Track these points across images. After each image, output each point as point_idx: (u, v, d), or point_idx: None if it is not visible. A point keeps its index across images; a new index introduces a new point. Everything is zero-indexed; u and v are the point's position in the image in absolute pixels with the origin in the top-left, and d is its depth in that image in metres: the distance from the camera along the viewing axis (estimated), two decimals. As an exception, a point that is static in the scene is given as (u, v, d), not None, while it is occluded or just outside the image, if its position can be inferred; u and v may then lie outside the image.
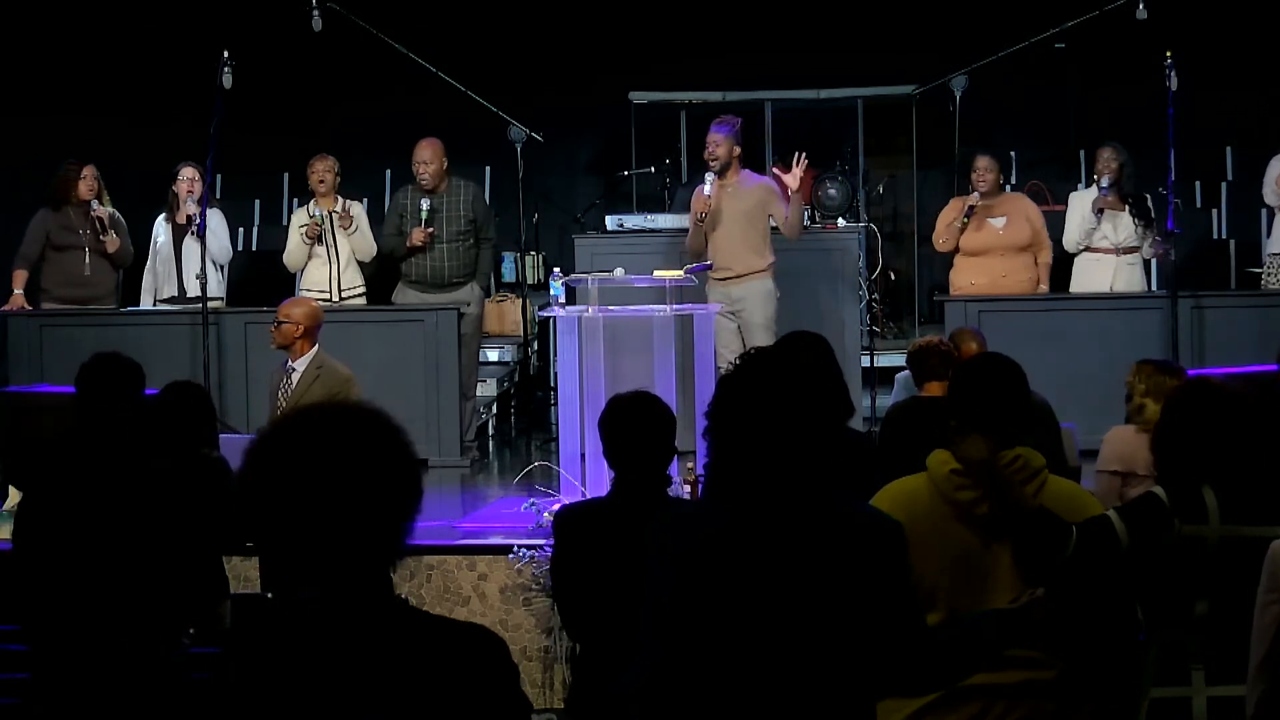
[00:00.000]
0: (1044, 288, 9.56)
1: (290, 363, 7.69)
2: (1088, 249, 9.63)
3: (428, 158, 9.72)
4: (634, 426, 4.52)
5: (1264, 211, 10.11)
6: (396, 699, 2.21)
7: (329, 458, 2.26)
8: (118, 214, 10.00)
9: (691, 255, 9.15)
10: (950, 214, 9.64)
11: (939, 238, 9.70)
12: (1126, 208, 9.52)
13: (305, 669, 2.21)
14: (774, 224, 9.15)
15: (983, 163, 9.55)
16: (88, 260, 9.82)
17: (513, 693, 2.30)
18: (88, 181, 9.80)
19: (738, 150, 9.11)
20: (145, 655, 2.26)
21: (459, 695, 2.23)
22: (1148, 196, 9.57)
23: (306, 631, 2.24)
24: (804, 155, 9.07)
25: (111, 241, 9.79)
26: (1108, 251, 9.57)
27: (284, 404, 7.54)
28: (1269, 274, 9.52)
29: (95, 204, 9.78)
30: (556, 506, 7.39)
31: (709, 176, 9.01)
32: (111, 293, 10.02)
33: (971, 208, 9.45)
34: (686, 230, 10.00)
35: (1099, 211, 9.50)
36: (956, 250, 9.62)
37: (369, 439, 2.30)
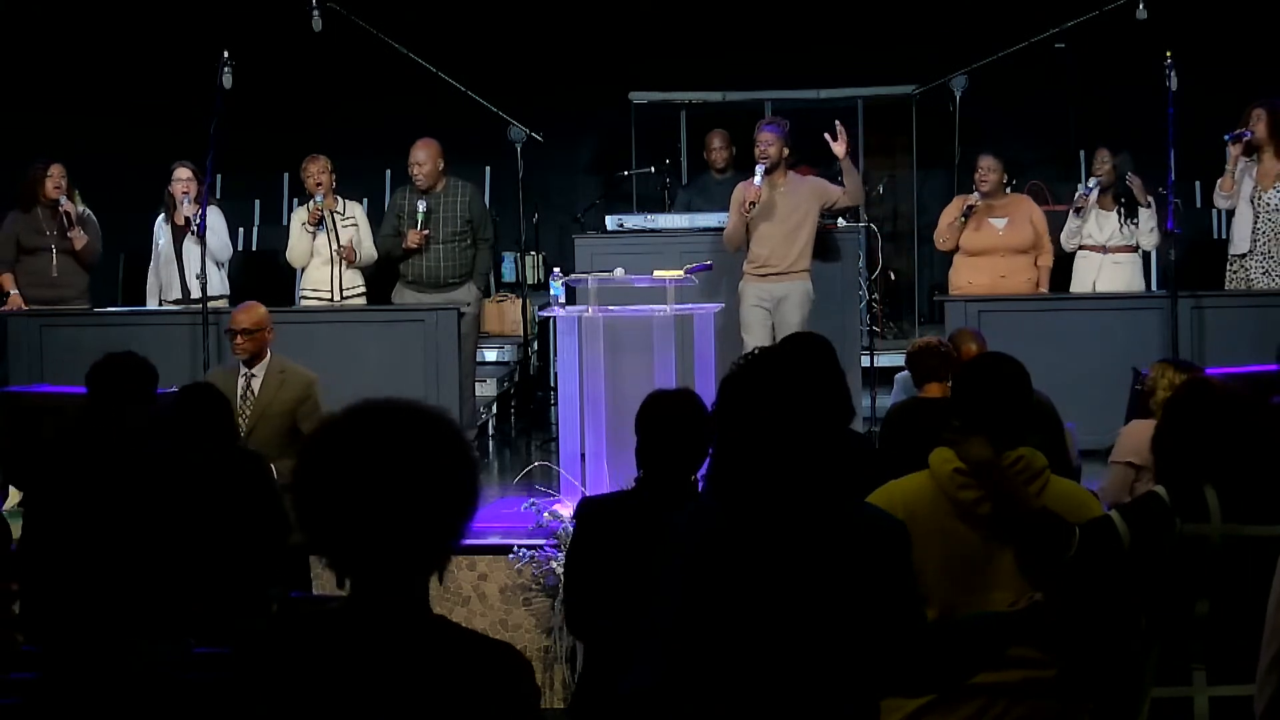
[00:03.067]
0: (1044, 289, 9.56)
1: (249, 369, 7.59)
2: (1081, 247, 9.65)
3: (422, 159, 9.73)
4: (672, 423, 4.43)
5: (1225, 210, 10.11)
6: (416, 709, 2.19)
7: (397, 457, 2.24)
8: (89, 212, 9.97)
9: (730, 246, 9.21)
10: (952, 213, 9.65)
11: (940, 236, 9.71)
12: (1117, 208, 9.52)
13: (330, 673, 2.20)
14: (834, 206, 9.28)
15: (986, 162, 9.55)
16: (55, 261, 9.80)
17: (534, 714, 2.29)
18: (54, 180, 9.76)
19: (786, 151, 9.19)
20: (159, 656, 2.26)
21: (478, 712, 2.22)
22: (1128, 179, 9.55)
23: (336, 635, 2.23)
24: (840, 128, 9.22)
25: (78, 238, 9.76)
26: (1094, 250, 9.58)
27: (249, 411, 7.43)
28: (1232, 275, 9.50)
29: (64, 200, 9.75)
30: (558, 506, 7.41)
31: (759, 168, 9.06)
32: (83, 294, 9.98)
33: (970, 207, 9.46)
34: (687, 230, 10.03)
35: (1077, 210, 9.54)
36: (957, 249, 9.63)
37: (437, 442, 2.28)
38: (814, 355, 4.87)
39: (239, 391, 7.47)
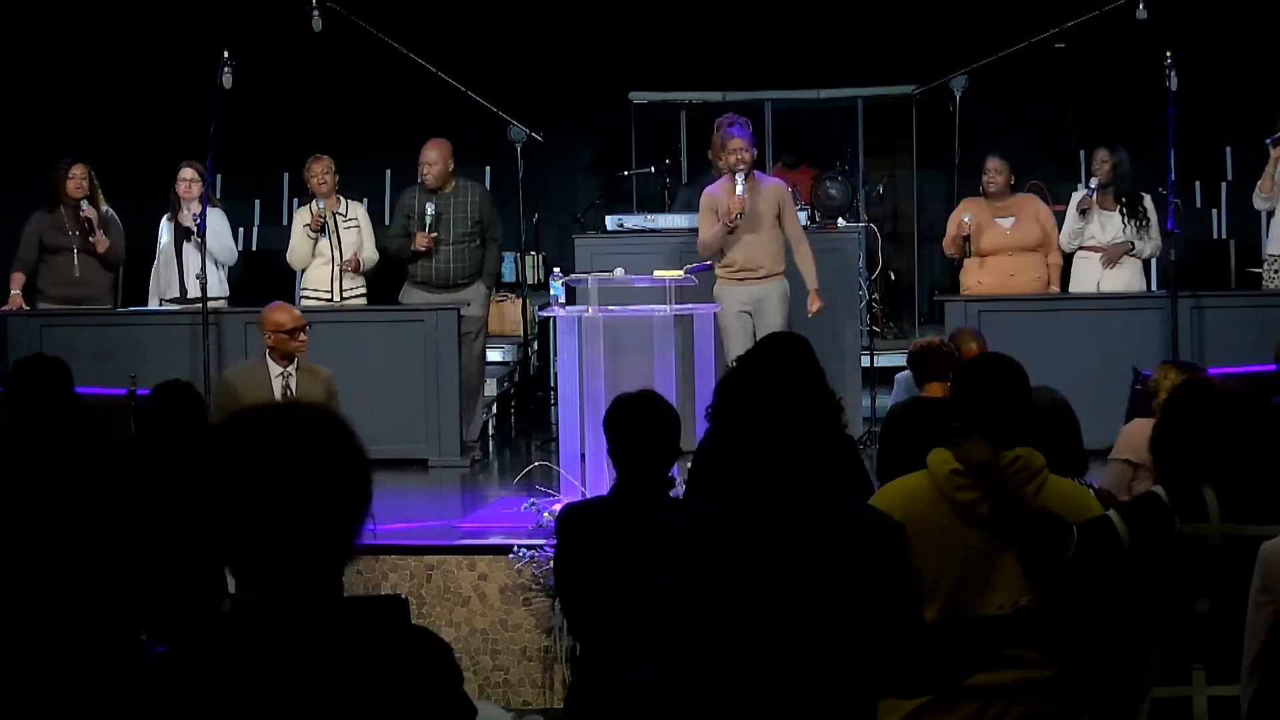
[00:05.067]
0: (1054, 288, 9.55)
1: (285, 368, 7.55)
2: (1081, 248, 9.65)
3: (433, 159, 9.73)
4: (639, 426, 4.47)
5: (1265, 212, 10.12)
6: (337, 702, 2.20)
7: (281, 458, 2.25)
8: (112, 213, 9.97)
9: (709, 254, 9.05)
10: (955, 227, 9.61)
11: (949, 246, 9.69)
12: (1118, 208, 9.52)
13: (247, 670, 2.21)
14: (785, 228, 9.14)
15: (994, 164, 9.54)
16: (77, 261, 9.81)
17: (456, 697, 2.30)
18: (75, 180, 9.77)
19: (755, 151, 9.15)
20: (103, 657, 2.27)
21: (401, 699, 2.23)
22: (1144, 196, 9.56)
23: (250, 633, 2.24)
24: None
25: (100, 241, 9.76)
26: (1097, 250, 9.59)
27: None
28: (1269, 275, 9.53)
29: (85, 204, 9.75)
30: (557, 506, 7.41)
31: (739, 177, 8.91)
32: (106, 292, 9.99)
33: (967, 238, 9.47)
34: (687, 230, 10.00)
35: (1083, 212, 9.54)
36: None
37: (321, 439, 2.29)
38: (798, 355, 4.88)
39: (278, 391, 7.42)
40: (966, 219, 9.44)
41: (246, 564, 2.27)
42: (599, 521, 4.50)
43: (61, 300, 9.82)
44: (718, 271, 9.06)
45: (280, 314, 7.67)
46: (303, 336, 7.56)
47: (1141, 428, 6.05)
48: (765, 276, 9.01)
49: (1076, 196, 9.84)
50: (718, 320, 8.88)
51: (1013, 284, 9.44)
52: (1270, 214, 9.63)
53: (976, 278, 9.56)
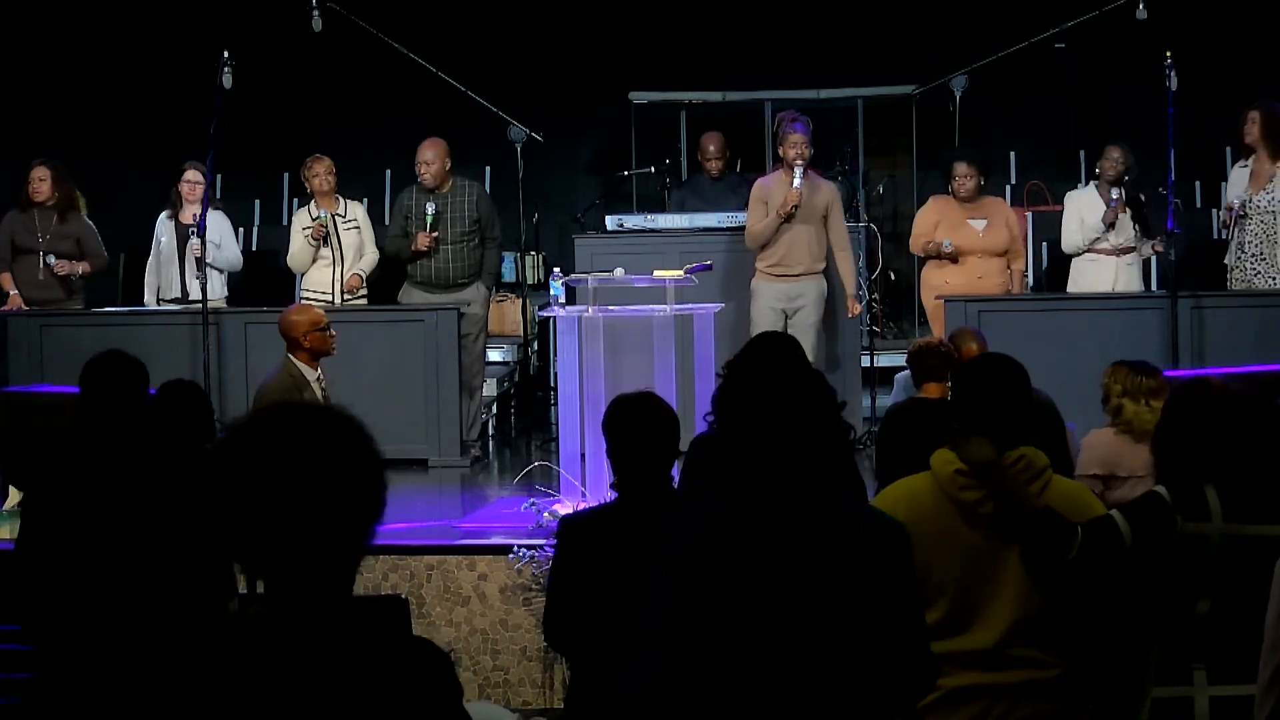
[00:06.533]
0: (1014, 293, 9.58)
1: (317, 371, 7.46)
2: (1088, 249, 9.63)
3: (430, 158, 9.72)
4: (639, 427, 4.42)
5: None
6: (336, 707, 2.20)
7: (298, 459, 2.24)
8: (89, 223, 9.93)
9: (756, 244, 9.21)
10: (928, 223, 9.58)
11: (916, 246, 9.69)
12: (1129, 211, 9.53)
13: (250, 673, 2.20)
14: (829, 225, 9.30)
15: (962, 169, 9.52)
16: (42, 265, 9.80)
17: (454, 710, 2.30)
18: (33, 185, 9.77)
19: (813, 149, 9.26)
20: (149, 653, 2.26)
21: (400, 709, 2.23)
22: (1141, 197, 9.55)
23: (255, 635, 2.24)
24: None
25: (78, 266, 9.76)
26: (1108, 253, 9.57)
27: None
28: (1230, 280, 9.52)
29: (53, 258, 9.70)
30: (557, 506, 7.41)
31: (797, 171, 9.08)
32: (74, 295, 9.95)
33: (944, 247, 9.48)
34: (686, 230, 10.01)
35: (1111, 225, 9.50)
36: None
37: (338, 441, 2.29)
38: (789, 354, 4.83)
39: (319, 395, 7.30)
40: (947, 247, 9.44)
41: (260, 564, 2.27)
42: (603, 531, 4.44)
43: (30, 301, 9.81)
44: (757, 265, 9.21)
45: (310, 313, 7.54)
46: (333, 331, 7.52)
47: (1100, 439, 6.05)
48: (802, 274, 9.14)
49: (1073, 197, 9.82)
50: (750, 311, 9.06)
51: (980, 286, 9.43)
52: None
53: (944, 277, 9.54)
